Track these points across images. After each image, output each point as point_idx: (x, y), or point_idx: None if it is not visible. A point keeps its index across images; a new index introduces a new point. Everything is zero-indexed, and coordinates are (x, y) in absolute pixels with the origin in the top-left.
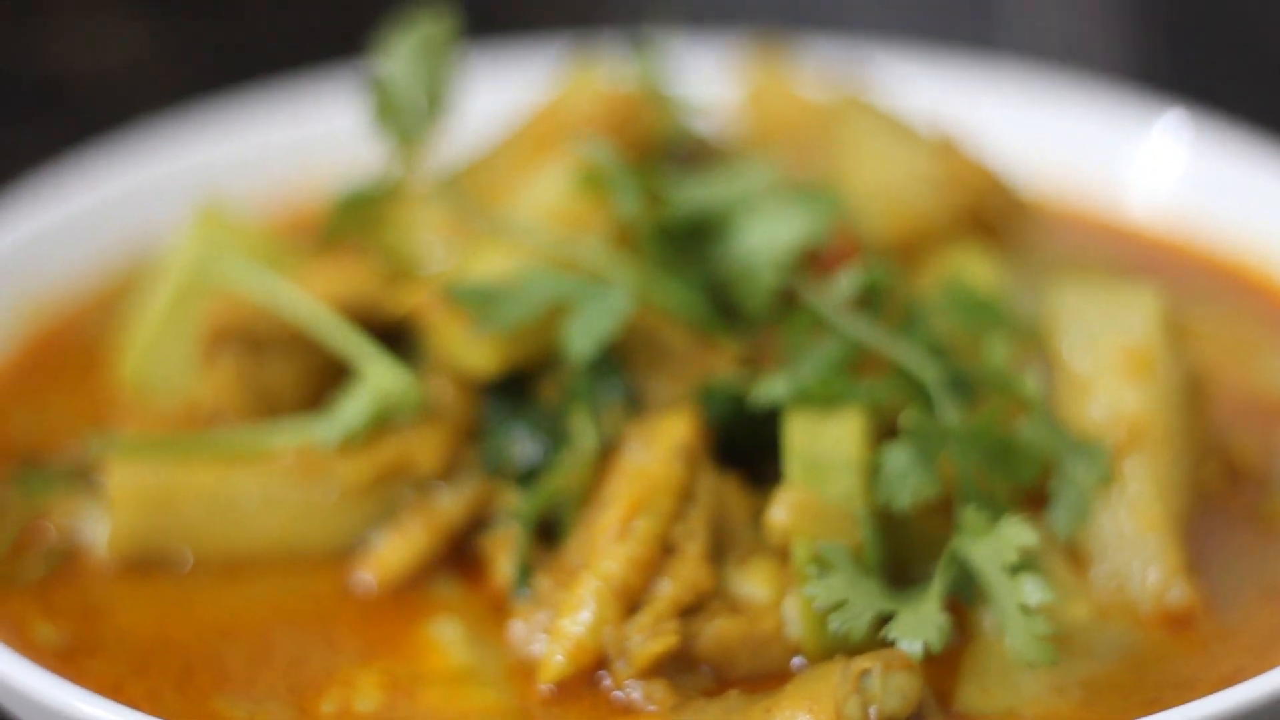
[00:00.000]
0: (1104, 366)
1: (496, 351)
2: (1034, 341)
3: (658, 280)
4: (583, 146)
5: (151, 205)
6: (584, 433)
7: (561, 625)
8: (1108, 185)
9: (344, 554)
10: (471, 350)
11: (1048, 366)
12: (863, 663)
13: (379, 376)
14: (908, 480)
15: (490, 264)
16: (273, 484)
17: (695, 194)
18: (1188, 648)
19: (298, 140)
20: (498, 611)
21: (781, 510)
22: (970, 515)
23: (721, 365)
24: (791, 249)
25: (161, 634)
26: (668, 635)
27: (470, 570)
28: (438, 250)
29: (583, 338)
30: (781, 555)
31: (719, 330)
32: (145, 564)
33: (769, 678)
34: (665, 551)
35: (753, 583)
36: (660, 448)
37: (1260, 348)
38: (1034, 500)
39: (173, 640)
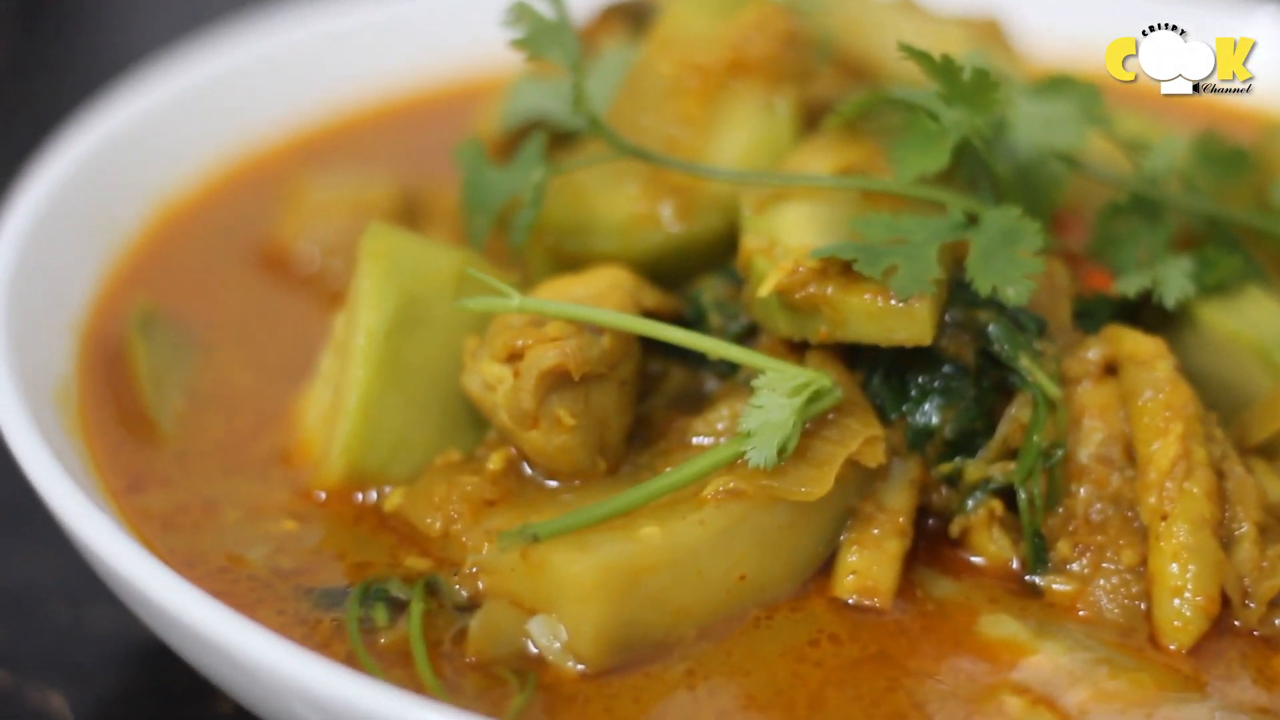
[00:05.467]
0: None
1: (930, 313)
2: None
3: (998, 197)
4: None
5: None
6: (1043, 383)
7: (1170, 584)
8: None
9: (801, 585)
10: (901, 320)
11: None
12: None
13: (788, 375)
14: None
15: (799, 218)
16: (726, 523)
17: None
18: None
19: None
20: (1016, 591)
21: None
22: None
23: (1060, 269)
24: (1079, 135)
25: None
26: None
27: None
28: (662, 218)
29: (1007, 277)
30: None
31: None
32: (624, 661)
33: None
34: (1218, 476)
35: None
36: (1159, 371)
37: None
38: None
39: None
